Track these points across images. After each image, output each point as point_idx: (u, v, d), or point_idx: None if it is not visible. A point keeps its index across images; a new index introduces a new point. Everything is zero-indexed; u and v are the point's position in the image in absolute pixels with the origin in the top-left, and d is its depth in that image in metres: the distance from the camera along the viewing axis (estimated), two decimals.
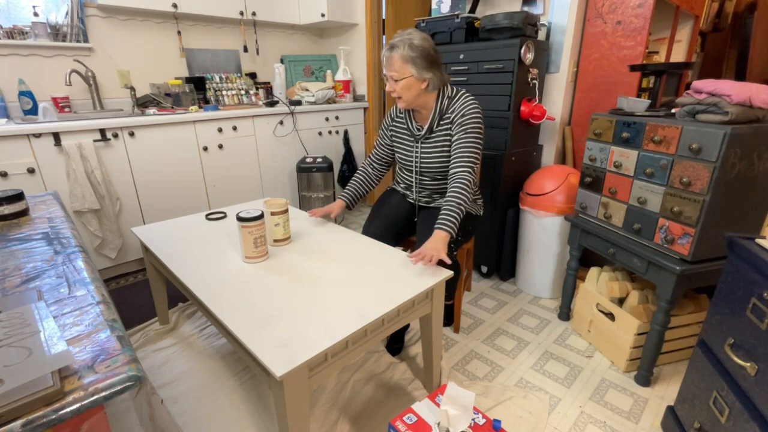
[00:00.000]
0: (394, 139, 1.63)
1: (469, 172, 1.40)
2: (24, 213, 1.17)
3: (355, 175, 1.70)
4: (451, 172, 1.43)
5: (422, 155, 1.52)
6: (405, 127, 1.57)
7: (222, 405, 1.34)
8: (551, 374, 1.50)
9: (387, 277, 1.16)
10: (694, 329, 1.49)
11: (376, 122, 3.23)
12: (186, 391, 1.40)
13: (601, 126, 1.50)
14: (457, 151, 1.43)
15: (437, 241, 1.26)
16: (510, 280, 2.19)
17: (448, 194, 1.39)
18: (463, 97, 1.44)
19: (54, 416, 0.48)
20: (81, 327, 0.65)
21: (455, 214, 1.32)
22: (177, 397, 1.37)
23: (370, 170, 1.69)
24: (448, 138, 1.46)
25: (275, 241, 1.37)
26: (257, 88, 2.89)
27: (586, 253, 2.12)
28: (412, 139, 1.54)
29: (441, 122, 1.46)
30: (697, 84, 1.23)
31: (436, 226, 1.31)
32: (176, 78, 2.61)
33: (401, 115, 1.59)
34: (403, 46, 1.34)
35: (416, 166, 1.55)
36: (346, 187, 1.67)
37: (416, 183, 1.59)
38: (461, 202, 1.35)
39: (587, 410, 1.33)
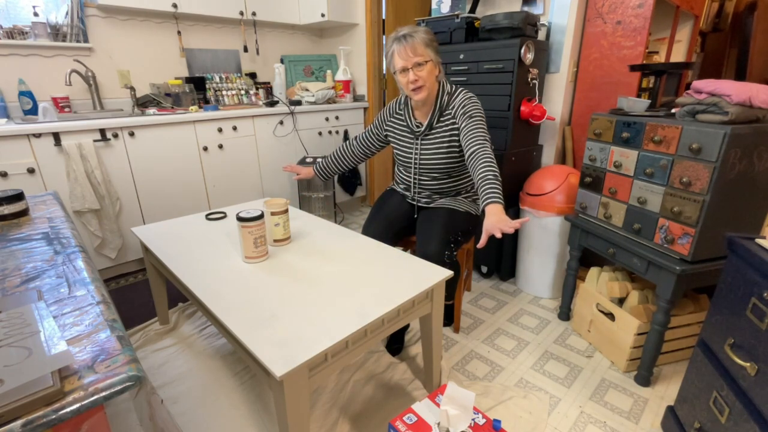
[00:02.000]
0: (390, 137, 1.63)
1: (489, 149, 1.33)
2: (24, 213, 1.17)
3: (336, 150, 1.72)
4: (470, 152, 1.34)
5: (422, 152, 1.52)
6: (404, 124, 1.57)
7: (222, 405, 1.34)
8: (551, 374, 1.50)
9: (387, 277, 1.16)
10: (694, 329, 1.49)
11: None
12: (186, 391, 1.40)
13: (601, 126, 1.50)
14: (470, 133, 1.39)
15: (498, 214, 1.17)
16: (510, 280, 2.19)
17: (480, 169, 1.29)
18: (463, 92, 1.46)
19: (54, 416, 0.48)
20: (81, 327, 0.65)
21: (497, 184, 1.24)
22: (177, 397, 1.37)
23: (352, 149, 1.72)
24: (448, 134, 1.46)
25: (275, 241, 1.37)
26: (257, 88, 2.89)
27: (586, 253, 2.11)
28: (411, 136, 1.55)
29: (441, 118, 1.46)
30: (697, 84, 1.23)
31: (487, 201, 1.22)
32: (176, 78, 2.61)
33: (400, 113, 1.58)
34: (418, 32, 1.34)
35: (415, 164, 1.55)
36: (323, 160, 1.71)
37: (415, 182, 1.59)
38: (497, 172, 1.27)
39: (587, 410, 1.33)
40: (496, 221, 1.15)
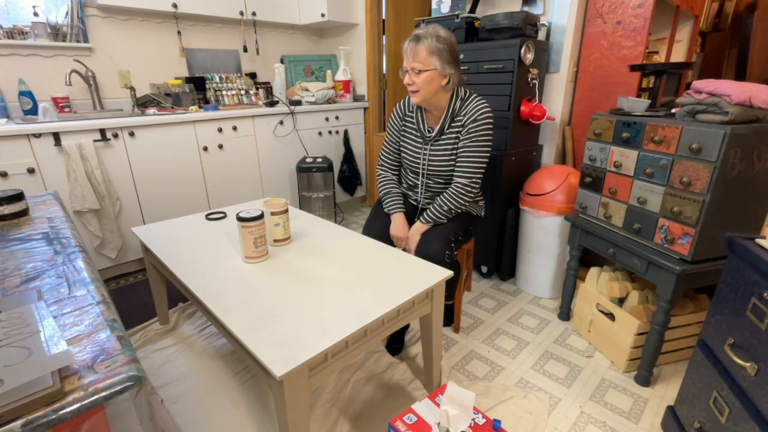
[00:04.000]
0: (402, 137, 1.59)
1: (467, 184, 1.44)
2: (24, 213, 1.17)
3: (388, 184, 1.62)
4: (453, 177, 1.48)
5: (431, 158, 1.50)
6: (415, 127, 1.54)
7: (222, 405, 1.34)
8: (551, 374, 1.50)
9: (387, 277, 1.16)
10: (694, 329, 1.49)
11: (376, 122, 3.23)
12: (186, 391, 1.40)
13: (601, 126, 1.50)
14: (462, 159, 1.44)
15: (415, 231, 1.49)
16: (510, 280, 2.19)
17: (442, 196, 1.48)
18: (476, 99, 1.43)
19: (54, 416, 0.48)
20: (81, 327, 0.65)
21: (440, 211, 1.47)
22: (177, 397, 1.37)
23: (395, 178, 1.66)
24: (457, 140, 1.45)
25: (275, 241, 1.37)
26: (257, 88, 2.89)
27: (586, 253, 2.11)
28: (421, 140, 1.53)
29: (452, 124, 1.45)
30: (697, 84, 1.23)
31: (422, 216, 1.50)
32: (176, 78, 2.61)
33: (411, 115, 1.55)
34: (430, 38, 1.32)
35: (423, 169, 1.54)
36: (392, 199, 1.59)
37: (422, 185, 1.58)
38: (453, 204, 1.46)
39: (587, 410, 1.33)
40: (409, 234, 1.50)
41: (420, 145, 1.53)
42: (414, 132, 1.55)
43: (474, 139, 1.41)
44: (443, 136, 1.47)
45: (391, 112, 1.63)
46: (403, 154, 1.60)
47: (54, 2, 2.19)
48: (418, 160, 1.54)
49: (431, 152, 1.50)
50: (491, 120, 1.42)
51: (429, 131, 1.50)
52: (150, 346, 1.64)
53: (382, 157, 1.66)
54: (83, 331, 0.63)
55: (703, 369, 1.07)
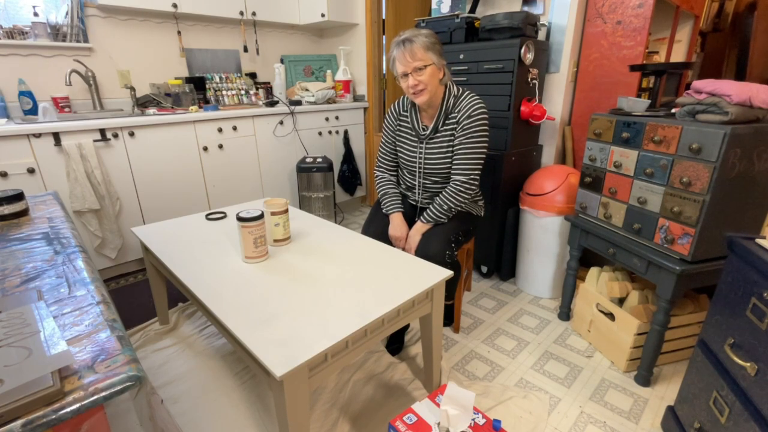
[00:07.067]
0: (398, 137, 1.60)
1: (465, 181, 1.44)
2: (24, 213, 1.17)
3: (386, 185, 1.63)
4: (451, 175, 1.47)
5: (426, 156, 1.51)
6: (410, 126, 1.55)
7: (222, 405, 1.34)
8: (551, 374, 1.50)
9: (387, 277, 1.16)
10: (694, 329, 1.49)
11: (376, 122, 3.23)
12: (186, 391, 1.40)
13: (601, 126, 1.50)
14: (458, 156, 1.44)
15: (415, 231, 1.49)
16: (510, 280, 2.19)
17: (441, 195, 1.47)
18: (470, 96, 1.43)
19: (54, 416, 0.48)
20: (81, 327, 0.65)
21: (440, 210, 1.47)
22: (177, 397, 1.37)
23: (392, 179, 1.66)
24: (452, 137, 1.45)
25: (275, 241, 1.37)
26: (257, 88, 2.89)
27: (586, 253, 2.11)
28: (416, 139, 1.53)
29: (447, 121, 1.45)
30: (697, 84, 1.23)
31: (422, 216, 1.49)
32: (176, 78, 2.61)
33: (405, 114, 1.56)
34: (419, 36, 1.33)
35: (420, 168, 1.54)
36: (390, 199, 1.59)
37: (419, 186, 1.58)
38: (452, 203, 1.45)
39: (587, 410, 1.33)
40: (410, 234, 1.50)
41: (415, 144, 1.53)
42: (409, 131, 1.55)
43: (469, 135, 1.41)
44: (438, 134, 1.47)
45: (386, 113, 1.63)
46: (399, 154, 1.61)
47: (54, 2, 2.19)
48: (414, 160, 1.54)
49: (427, 151, 1.50)
50: (486, 116, 1.42)
51: (423, 129, 1.50)
52: (150, 346, 1.64)
53: (380, 158, 1.67)
54: (83, 331, 0.63)
55: (703, 369, 1.07)
